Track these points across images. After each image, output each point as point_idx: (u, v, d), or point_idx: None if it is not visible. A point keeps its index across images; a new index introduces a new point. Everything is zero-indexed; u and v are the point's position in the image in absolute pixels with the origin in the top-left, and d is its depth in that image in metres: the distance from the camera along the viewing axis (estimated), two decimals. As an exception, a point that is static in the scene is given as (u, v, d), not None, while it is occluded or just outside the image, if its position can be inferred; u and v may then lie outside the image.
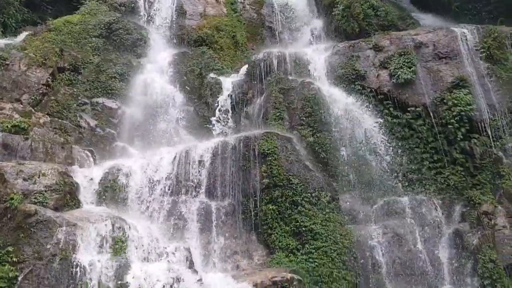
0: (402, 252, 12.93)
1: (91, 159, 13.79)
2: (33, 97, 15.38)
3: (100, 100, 16.18)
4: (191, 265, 10.82)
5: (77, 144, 14.37)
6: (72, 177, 12.39)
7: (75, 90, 16.13)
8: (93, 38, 17.86)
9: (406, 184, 14.82)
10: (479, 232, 12.93)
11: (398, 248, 12.99)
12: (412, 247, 12.98)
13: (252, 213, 12.98)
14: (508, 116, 15.05)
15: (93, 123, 15.41)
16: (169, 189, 13.11)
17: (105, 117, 15.80)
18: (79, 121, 15.26)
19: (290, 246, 12.60)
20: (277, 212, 12.91)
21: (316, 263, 12.36)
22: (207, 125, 16.55)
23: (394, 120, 15.60)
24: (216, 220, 12.84)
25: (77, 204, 12.00)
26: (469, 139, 14.73)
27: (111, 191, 12.73)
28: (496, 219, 13.13)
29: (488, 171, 14.28)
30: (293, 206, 12.99)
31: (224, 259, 12.32)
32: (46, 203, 11.32)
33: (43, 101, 15.57)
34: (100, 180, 12.84)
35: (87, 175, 12.92)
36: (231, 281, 10.76)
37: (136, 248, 10.58)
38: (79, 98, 15.96)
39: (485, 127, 14.79)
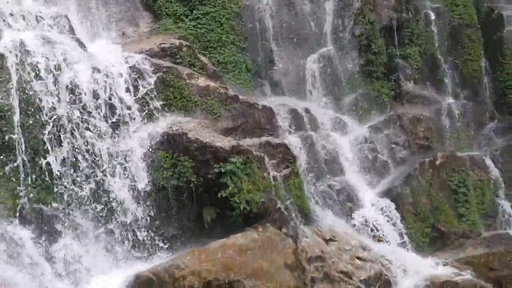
0: (290, 16, 13.13)
1: None
2: None
3: None
4: (71, 33, 10.03)
5: None
6: None
7: None
8: None
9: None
10: (362, -5, 13.40)
11: (287, 12, 13.11)
12: (299, 11, 13.17)
13: (136, -23, 12.02)
14: None
15: None
16: None
17: None
18: None
19: (178, 12, 12.16)
20: (162, -23, 12.05)
21: (205, 29, 12.24)
22: None
23: None
24: (94, -16, 11.71)
25: None
26: None
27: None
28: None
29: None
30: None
31: (108, 27, 11.64)
32: None
33: None
34: None
35: None
36: (117, 48, 10.31)
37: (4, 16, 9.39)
38: None
39: None
